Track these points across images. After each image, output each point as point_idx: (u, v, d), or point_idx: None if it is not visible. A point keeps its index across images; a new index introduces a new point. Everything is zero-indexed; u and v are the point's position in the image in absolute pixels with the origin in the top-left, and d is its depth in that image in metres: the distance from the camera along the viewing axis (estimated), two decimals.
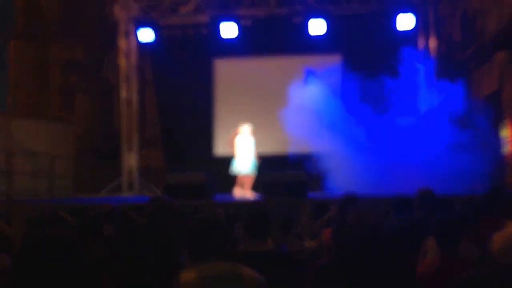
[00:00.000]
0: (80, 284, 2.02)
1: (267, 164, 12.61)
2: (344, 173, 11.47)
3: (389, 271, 2.64)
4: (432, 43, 12.75)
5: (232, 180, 11.21)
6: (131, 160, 13.86)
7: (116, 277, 1.62)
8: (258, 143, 12.85)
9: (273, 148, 13.03)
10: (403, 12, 12.40)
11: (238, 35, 12.88)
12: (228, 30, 12.82)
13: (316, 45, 12.84)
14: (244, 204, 8.38)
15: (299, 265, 3.63)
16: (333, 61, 13.35)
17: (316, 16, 12.56)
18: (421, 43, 12.85)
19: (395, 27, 12.54)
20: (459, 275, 3.46)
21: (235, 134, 10.88)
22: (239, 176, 10.61)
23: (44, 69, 17.08)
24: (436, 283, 3.50)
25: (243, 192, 10.54)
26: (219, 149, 13.81)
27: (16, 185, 11.57)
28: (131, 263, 1.64)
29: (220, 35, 12.97)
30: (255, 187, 9.28)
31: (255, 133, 12.80)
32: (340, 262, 2.89)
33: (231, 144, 10.83)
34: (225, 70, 13.81)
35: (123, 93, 14.00)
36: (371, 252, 2.66)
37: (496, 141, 11.33)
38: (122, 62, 13.98)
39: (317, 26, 12.62)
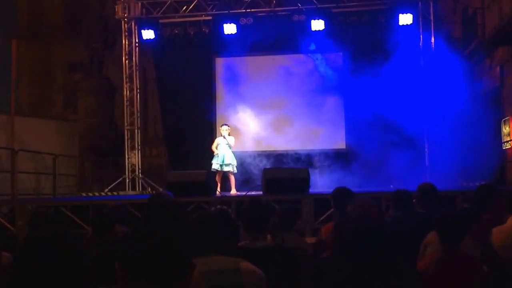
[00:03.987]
0: (82, 282, 2.03)
1: (272, 161, 12.68)
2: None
3: (390, 266, 2.66)
4: (433, 39, 12.73)
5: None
6: (133, 158, 13.90)
7: (130, 266, 1.65)
8: (259, 141, 12.92)
9: (275, 145, 13.07)
10: (403, 12, 12.39)
11: (239, 34, 12.92)
12: (230, 27, 12.89)
13: (317, 43, 12.86)
14: (244, 200, 8.39)
15: (299, 260, 3.66)
16: (335, 58, 13.39)
17: (317, 16, 12.59)
18: (421, 39, 12.83)
19: (396, 23, 12.53)
20: (459, 271, 3.48)
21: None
22: (219, 173, 10.59)
23: (47, 68, 17.16)
24: (438, 278, 3.49)
25: (232, 190, 10.53)
26: None
27: (20, 184, 11.61)
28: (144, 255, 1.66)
29: (221, 34, 13.01)
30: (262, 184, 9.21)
31: (258, 131, 12.88)
32: (339, 256, 2.91)
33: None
34: (226, 68, 13.83)
35: (126, 92, 14.04)
36: (371, 247, 2.68)
37: (497, 137, 11.34)
38: (124, 61, 14.01)
39: (317, 23, 12.67)
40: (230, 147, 10.55)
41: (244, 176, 12.00)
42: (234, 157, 10.69)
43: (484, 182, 9.93)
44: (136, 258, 1.63)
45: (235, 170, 10.71)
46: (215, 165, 10.54)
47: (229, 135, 10.65)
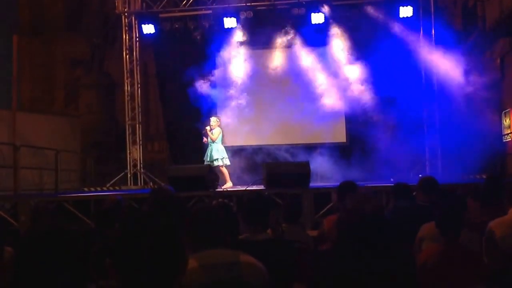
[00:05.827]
0: (83, 277, 2.05)
1: (272, 155, 12.69)
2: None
3: (389, 257, 2.68)
4: (433, 31, 12.68)
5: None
6: (135, 153, 13.92)
7: (120, 264, 1.66)
8: (259, 135, 12.93)
9: (276, 139, 13.07)
10: (403, 5, 12.34)
11: (240, 27, 12.92)
12: (230, 21, 12.88)
13: (316, 37, 12.84)
14: (245, 194, 8.42)
15: (299, 252, 3.68)
16: (335, 52, 13.34)
17: (317, 9, 12.56)
18: (422, 31, 12.77)
19: (397, 16, 12.47)
20: (459, 263, 3.49)
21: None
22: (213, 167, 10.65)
23: (48, 64, 17.16)
24: (438, 271, 3.50)
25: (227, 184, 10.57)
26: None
27: (22, 180, 11.64)
28: (136, 250, 1.67)
29: (221, 28, 12.99)
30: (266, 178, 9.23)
31: (259, 125, 12.88)
32: (340, 249, 2.92)
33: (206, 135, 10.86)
34: (227, 62, 13.79)
35: (127, 87, 14.04)
36: (369, 238, 2.70)
37: (498, 130, 11.34)
38: (125, 56, 14.00)
39: (317, 17, 12.64)
40: (212, 141, 10.61)
41: (247, 170, 12.05)
42: (223, 150, 10.73)
43: (485, 175, 10.01)
44: (126, 256, 1.63)
45: (226, 163, 10.74)
46: (206, 162, 10.61)
47: (219, 126, 10.74)
